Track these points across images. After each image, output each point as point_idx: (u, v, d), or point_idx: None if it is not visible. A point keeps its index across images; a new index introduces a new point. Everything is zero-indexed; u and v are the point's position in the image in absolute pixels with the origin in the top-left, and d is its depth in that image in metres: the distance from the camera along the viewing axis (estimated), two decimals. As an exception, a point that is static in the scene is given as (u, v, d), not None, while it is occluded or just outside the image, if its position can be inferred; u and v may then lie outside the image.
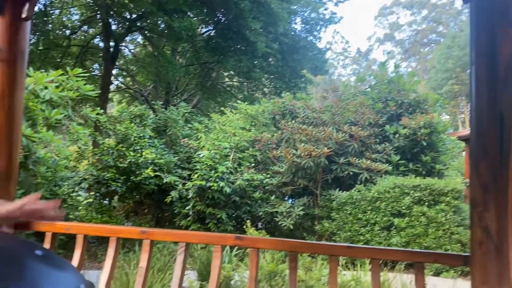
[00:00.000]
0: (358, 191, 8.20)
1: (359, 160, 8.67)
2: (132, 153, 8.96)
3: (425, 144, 9.10)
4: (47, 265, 0.81)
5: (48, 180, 5.80)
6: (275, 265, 3.55)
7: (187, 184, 8.84)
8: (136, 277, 1.93)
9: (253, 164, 10.06)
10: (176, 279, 1.88)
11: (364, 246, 2.71)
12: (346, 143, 9.04)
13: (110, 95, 21.68)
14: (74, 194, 8.26)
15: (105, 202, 9.69)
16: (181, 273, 1.89)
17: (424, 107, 10.02)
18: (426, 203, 7.56)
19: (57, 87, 4.98)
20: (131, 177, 8.99)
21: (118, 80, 23.92)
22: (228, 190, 8.60)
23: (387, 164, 8.76)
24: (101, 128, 9.87)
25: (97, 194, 9.22)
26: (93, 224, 2.28)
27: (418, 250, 1.75)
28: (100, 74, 20.54)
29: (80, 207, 8.66)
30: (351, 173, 8.62)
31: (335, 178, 8.95)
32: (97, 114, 7.18)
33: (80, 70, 5.46)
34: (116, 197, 9.71)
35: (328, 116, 9.94)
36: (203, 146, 9.78)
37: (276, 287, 3.52)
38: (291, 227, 8.35)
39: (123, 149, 9.06)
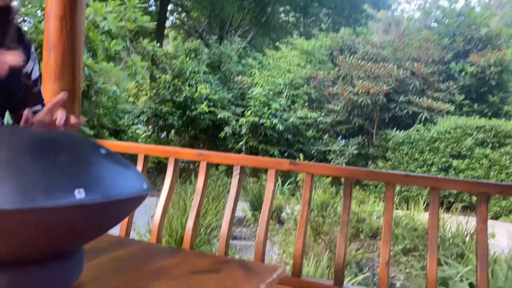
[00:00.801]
0: (417, 131, 7.91)
1: (419, 98, 8.27)
2: (187, 88, 9.10)
3: (494, 83, 8.48)
4: (112, 163, 0.83)
5: (109, 110, 6.06)
6: (328, 197, 3.56)
7: (240, 120, 8.94)
8: (194, 196, 2.00)
9: (307, 102, 9.92)
10: (231, 200, 1.92)
11: (423, 175, 2.60)
12: (407, 81, 8.61)
13: (165, 31, 21.78)
14: (134, 127, 8.63)
15: (163, 135, 10.08)
16: (235, 195, 1.93)
17: (496, 43, 9.21)
18: (490, 145, 7.17)
19: (115, 17, 5.04)
20: (187, 112, 9.20)
21: (173, 16, 23.88)
22: (281, 127, 8.60)
23: (450, 104, 8.30)
24: (158, 62, 10.02)
25: (155, 127, 9.58)
26: (153, 145, 2.36)
27: (483, 180, 1.66)
28: (156, 10, 20.55)
29: (140, 140, 9.07)
30: (410, 112, 8.28)
31: (393, 117, 8.65)
32: (154, 47, 7.25)
33: (137, 0, 5.46)
34: (173, 131, 10.04)
35: (389, 52, 9.43)
36: (257, 83, 9.72)
37: (327, 218, 3.57)
38: (344, 166, 8.30)
39: (179, 83, 9.21)
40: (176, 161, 2.07)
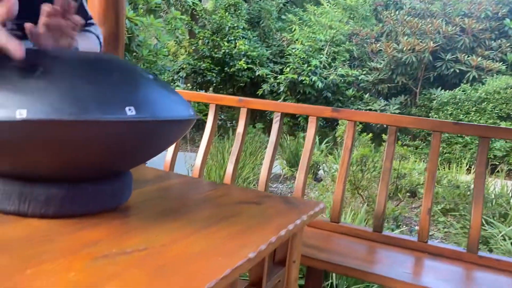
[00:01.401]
0: (463, 91, 7.56)
1: (468, 57, 7.85)
2: (226, 44, 9.03)
3: (552, 41, 7.89)
4: (161, 87, 0.84)
5: (150, 65, 6.12)
6: (368, 151, 3.51)
7: (278, 78, 8.84)
8: (234, 142, 2.02)
9: (348, 60, 9.64)
10: (271, 145, 1.93)
11: (473, 123, 2.48)
12: (456, 38, 8.16)
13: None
14: (173, 84, 8.72)
15: (201, 92, 10.15)
16: (275, 141, 1.93)
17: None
18: (542, 107, 6.78)
19: (155, -31, 4.99)
20: (225, 68, 9.18)
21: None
22: (320, 85, 8.45)
23: (501, 63, 7.83)
24: (197, 17, 9.94)
25: (193, 84, 9.64)
26: (195, 92, 2.37)
27: (539, 131, 1.57)
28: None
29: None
30: (457, 71, 7.90)
31: (438, 76, 8.29)
32: (194, 1, 7.17)
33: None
34: (211, 88, 10.09)
35: (438, 7, 8.91)
36: (297, 40, 9.50)
37: (367, 172, 3.53)
38: (384, 125, 8.11)
39: (218, 39, 9.14)
40: (217, 107, 2.08)
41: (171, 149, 2.07)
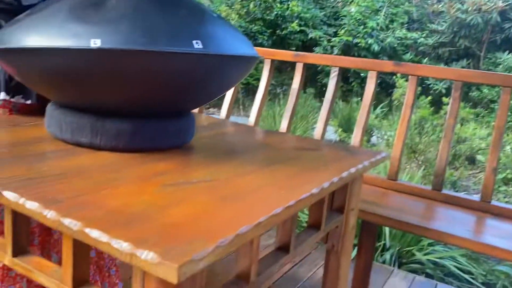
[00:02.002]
0: (534, 55, 6.99)
1: (542, 17, 7.19)
2: (278, 5, 8.84)
3: None
4: (225, 25, 0.83)
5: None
6: (427, 112, 3.35)
7: (332, 40, 8.57)
8: (289, 97, 2.00)
9: (407, 21, 9.15)
10: (327, 102, 1.89)
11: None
12: (529, -4, 7.48)
13: None
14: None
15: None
16: (332, 97, 1.89)
17: None
18: None
19: None
20: (277, 31, 9.03)
21: None
22: (376, 48, 8.12)
23: None
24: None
25: (245, 47, 9.57)
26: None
27: None
28: None
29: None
30: (529, 33, 7.28)
31: (506, 38, 7.70)
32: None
33: None
34: (263, 51, 9.97)
35: (510, -37, 8.15)
36: (352, 1, 9.11)
37: (425, 135, 3.39)
38: (443, 90, 7.72)
39: (270, 0, 8.95)
40: (272, 62, 2.06)
41: (224, 108, 2.09)
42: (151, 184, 0.69)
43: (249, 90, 9.40)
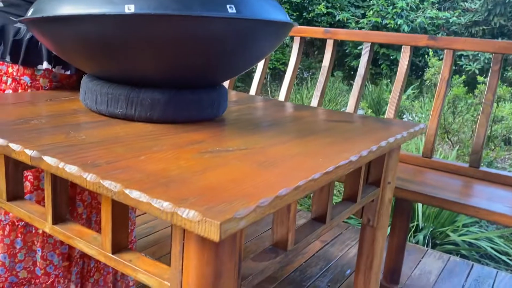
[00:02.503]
0: None
1: None
2: (305, -13, 8.68)
3: None
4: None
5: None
6: (462, 91, 3.24)
7: (361, 22, 8.38)
8: (319, 76, 1.96)
9: (438, 1, 8.84)
10: (359, 77, 1.84)
11: None
12: None
13: None
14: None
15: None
16: (364, 73, 1.84)
17: None
18: None
19: None
20: (304, 13, 8.89)
21: None
22: (406, 28, 7.89)
23: None
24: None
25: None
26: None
27: None
28: None
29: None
30: None
31: (545, 15, 7.33)
32: None
33: None
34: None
35: None
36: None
37: (458, 115, 3.28)
38: (477, 71, 7.46)
39: (297, -17, 8.81)
40: (301, 39, 2.02)
41: (253, 87, 2.07)
42: (188, 151, 0.68)
43: (276, 75, 9.34)
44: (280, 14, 0.82)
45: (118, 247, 0.65)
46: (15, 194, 0.81)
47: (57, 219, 0.73)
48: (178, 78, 0.81)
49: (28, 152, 0.62)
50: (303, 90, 6.87)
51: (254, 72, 2.10)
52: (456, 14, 8.42)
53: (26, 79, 1.05)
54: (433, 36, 1.70)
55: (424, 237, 2.23)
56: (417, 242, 2.21)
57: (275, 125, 0.92)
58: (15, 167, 0.80)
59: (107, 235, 0.64)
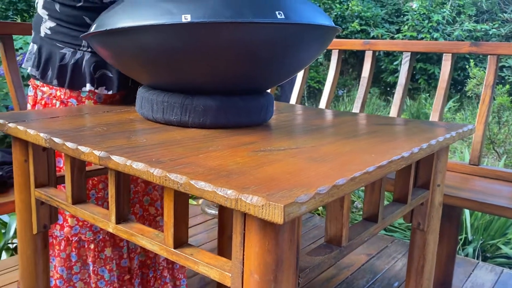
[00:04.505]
0: None
1: None
2: (338, 6, 8.75)
3: None
4: (301, -2, 0.85)
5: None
6: (507, 99, 3.14)
7: (395, 37, 8.32)
8: (359, 87, 1.97)
9: (475, 14, 8.66)
10: (400, 87, 1.84)
11: None
12: None
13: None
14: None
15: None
16: (405, 83, 1.84)
17: None
18: None
19: None
20: (338, 32, 8.92)
21: None
22: (443, 42, 7.76)
23: None
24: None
25: (305, 50, 9.56)
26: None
27: None
28: None
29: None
30: None
31: None
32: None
33: None
34: (322, 54, 9.91)
35: None
36: (415, -4, 8.80)
37: (504, 125, 3.17)
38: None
39: (329, 1, 8.89)
40: (340, 52, 2.04)
41: (293, 97, 2.10)
42: (242, 150, 0.71)
43: (311, 93, 9.37)
44: (325, 19, 0.85)
45: (180, 242, 0.68)
46: (79, 198, 0.86)
47: (120, 218, 0.77)
48: (229, 85, 0.85)
49: (97, 152, 0.67)
50: (340, 106, 6.85)
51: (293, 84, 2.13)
52: (496, 25, 8.22)
53: (72, 101, 1.12)
54: (475, 42, 1.68)
55: (474, 250, 2.15)
56: (466, 255, 2.13)
57: (321, 128, 0.94)
58: (80, 173, 0.86)
59: (169, 230, 0.67)
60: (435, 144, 0.83)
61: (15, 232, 2.03)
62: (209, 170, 0.59)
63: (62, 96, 1.12)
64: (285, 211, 0.46)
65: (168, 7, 0.73)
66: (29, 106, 1.19)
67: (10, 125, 0.86)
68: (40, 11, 1.13)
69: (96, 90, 1.12)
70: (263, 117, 0.94)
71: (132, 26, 0.74)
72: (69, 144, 0.72)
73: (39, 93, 1.15)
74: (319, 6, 8.96)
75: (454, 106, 5.44)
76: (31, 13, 6.42)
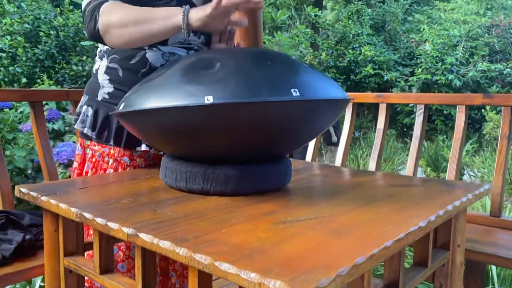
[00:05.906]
0: None
1: None
2: (350, 52, 8.94)
3: None
4: (317, 73, 0.90)
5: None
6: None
7: (410, 80, 8.40)
8: (375, 138, 2.00)
9: (488, 53, 8.74)
10: (416, 139, 1.86)
11: None
12: None
13: (324, 2, 21.61)
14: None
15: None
16: (420, 134, 1.86)
17: None
18: None
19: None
20: (351, 76, 9.07)
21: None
22: (458, 83, 7.80)
23: None
24: (319, 29, 10.05)
25: (320, 95, 9.70)
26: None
27: None
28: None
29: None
30: None
31: None
32: (316, 13, 7.30)
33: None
34: (338, 98, 10.01)
35: None
36: (426, 40, 8.96)
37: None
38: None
39: (342, 48, 9.11)
40: (354, 105, 2.09)
41: (309, 154, 2.14)
42: (262, 222, 0.74)
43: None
44: (338, 92, 0.89)
45: (204, 316, 0.69)
46: (106, 267, 0.89)
47: (146, 290, 0.80)
48: (248, 154, 0.89)
49: (125, 230, 0.71)
50: (357, 150, 6.84)
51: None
52: (510, 65, 8.25)
53: (125, 159, 1.18)
54: (488, 94, 1.71)
55: (504, 303, 2.08)
56: (496, 309, 2.06)
57: (340, 192, 0.97)
58: (107, 243, 0.89)
59: (193, 305, 0.69)
60: (451, 209, 0.84)
61: (38, 290, 2.05)
62: (233, 248, 0.62)
63: (116, 155, 1.19)
64: (307, 296, 0.48)
65: (190, 90, 0.79)
66: (75, 164, 1.25)
67: (43, 198, 0.91)
68: (101, 76, 1.20)
69: (150, 150, 1.18)
70: (282, 182, 0.97)
71: (159, 107, 0.80)
72: (99, 220, 0.76)
73: (89, 151, 1.21)
74: (332, 52, 9.19)
75: (472, 147, 5.40)
76: (57, 69, 6.73)
